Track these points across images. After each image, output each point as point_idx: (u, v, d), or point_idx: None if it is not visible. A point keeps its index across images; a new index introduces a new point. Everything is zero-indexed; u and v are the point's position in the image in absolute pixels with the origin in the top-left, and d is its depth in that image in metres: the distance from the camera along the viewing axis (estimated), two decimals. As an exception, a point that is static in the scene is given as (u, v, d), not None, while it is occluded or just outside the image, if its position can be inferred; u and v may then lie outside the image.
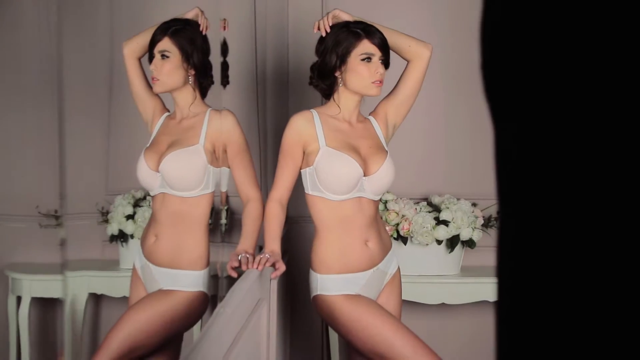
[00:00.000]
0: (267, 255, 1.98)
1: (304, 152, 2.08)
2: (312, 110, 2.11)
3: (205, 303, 1.98)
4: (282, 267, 2.01)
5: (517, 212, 0.61)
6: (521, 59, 0.57)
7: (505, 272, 0.63)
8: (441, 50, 2.92)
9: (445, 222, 2.70)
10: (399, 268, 2.19)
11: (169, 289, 1.91)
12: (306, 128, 2.06)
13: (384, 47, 2.06)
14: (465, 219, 2.70)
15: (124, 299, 1.91)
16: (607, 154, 0.55)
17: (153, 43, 1.90)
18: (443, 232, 2.69)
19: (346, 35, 2.05)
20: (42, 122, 1.56)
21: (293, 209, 2.67)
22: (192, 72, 1.94)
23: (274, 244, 2.05)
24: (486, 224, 2.80)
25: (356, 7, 2.82)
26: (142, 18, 1.85)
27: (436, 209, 2.75)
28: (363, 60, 2.04)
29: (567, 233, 0.57)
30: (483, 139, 2.97)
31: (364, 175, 2.06)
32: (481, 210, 2.80)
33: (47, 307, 1.77)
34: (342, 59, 2.05)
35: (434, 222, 2.70)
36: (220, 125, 2.00)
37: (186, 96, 1.97)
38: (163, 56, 1.90)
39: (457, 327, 2.97)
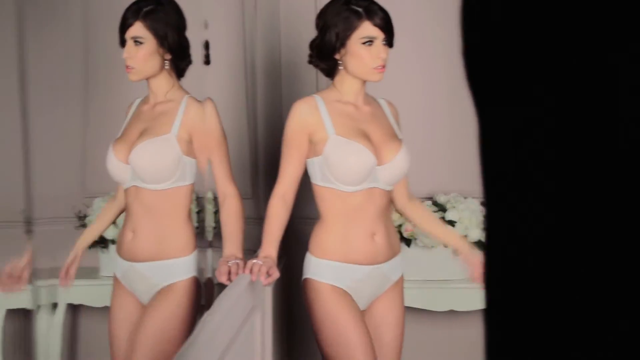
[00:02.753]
0: (259, 262, 1.94)
1: (310, 142, 2.03)
2: (314, 95, 2.07)
3: (199, 288, 1.96)
4: (275, 274, 1.97)
5: (507, 206, 0.60)
6: (502, 43, 0.58)
7: (496, 276, 0.62)
8: (445, 41, 2.88)
9: (452, 223, 2.67)
10: (402, 276, 2.16)
11: (165, 284, 1.91)
12: (310, 115, 2.01)
13: (387, 28, 2.01)
14: (473, 219, 2.66)
15: (106, 309, 1.88)
16: (596, 141, 0.55)
17: (124, 27, 1.87)
18: (450, 234, 2.66)
19: (347, 14, 2.00)
20: (6, 119, 1.54)
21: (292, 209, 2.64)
22: (169, 56, 1.91)
23: (270, 248, 2.01)
24: (496, 224, 2.77)
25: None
26: (119, 5, 1.82)
27: (442, 208, 2.72)
28: (364, 43, 1.99)
29: (556, 225, 0.57)
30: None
31: (378, 165, 2.02)
32: (490, 210, 2.76)
33: (22, 319, 1.75)
34: (342, 42, 2.00)
35: (440, 222, 2.66)
36: (199, 113, 1.96)
37: (161, 82, 1.95)
38: (136, 42, 1.87)
39: (467, 335, 2.94)
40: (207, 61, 2.04)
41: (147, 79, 1.94)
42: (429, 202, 2.76)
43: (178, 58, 1.93)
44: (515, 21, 0.57)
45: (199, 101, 1.98)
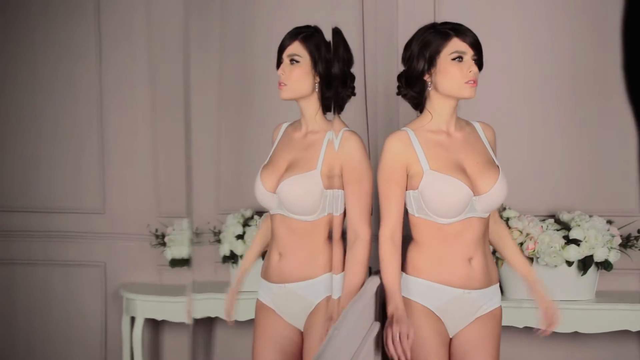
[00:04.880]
0: (394, 328, 1.98)
1: (407, 175, 2.06)
2: (405, 128, 2.10)
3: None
4: (412, 334, 1.99)
5: None
6: None
7: None
8: (571, 53, 2.86)
9: (577, 242, 2.64)
10: (500, 308, 2.15)
11: (318, 301, 1.99)
12: (404, 149, 2.06)
13: (476, 46, 2.05)
14: (599, 238, 2.63)
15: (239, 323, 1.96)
16: None
17: (282, 48, 1.98)
18: (574, 253, 2.64)
19: (433, 36, 2.05)
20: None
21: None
22: (318, 79, 1.99)
23: (397, 298, 2.04)
24: (624, 244, 2.71)
25: (470, 8, 2.83)
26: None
27: (565, 226, 2.69)
28: (454, 59, 2.03)
29: None
30: (618, 148, 2.88)
31: (474, 195, 2.05)
32: (618, 229, 2.71)
33: (158, 329, 1.87)
34: (431, 61, 2.04)
35: (563, 241, 2.65)
36: (341, 147, 2.02)
37: (310, 105, 2.01)
38: (292, 61, 1.98)
39: (592, 359, 2.88)
40: (351, 93, 2.11)
41: (298, 100, 2.02)
42: (551, 220, 2.73)
43: (324, 86, 2.00)
44: None
45: (352, 132, 2.05)
